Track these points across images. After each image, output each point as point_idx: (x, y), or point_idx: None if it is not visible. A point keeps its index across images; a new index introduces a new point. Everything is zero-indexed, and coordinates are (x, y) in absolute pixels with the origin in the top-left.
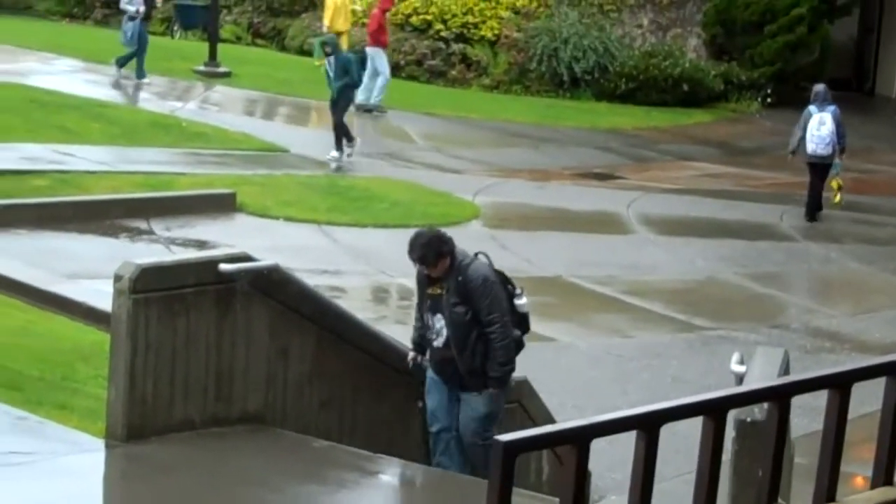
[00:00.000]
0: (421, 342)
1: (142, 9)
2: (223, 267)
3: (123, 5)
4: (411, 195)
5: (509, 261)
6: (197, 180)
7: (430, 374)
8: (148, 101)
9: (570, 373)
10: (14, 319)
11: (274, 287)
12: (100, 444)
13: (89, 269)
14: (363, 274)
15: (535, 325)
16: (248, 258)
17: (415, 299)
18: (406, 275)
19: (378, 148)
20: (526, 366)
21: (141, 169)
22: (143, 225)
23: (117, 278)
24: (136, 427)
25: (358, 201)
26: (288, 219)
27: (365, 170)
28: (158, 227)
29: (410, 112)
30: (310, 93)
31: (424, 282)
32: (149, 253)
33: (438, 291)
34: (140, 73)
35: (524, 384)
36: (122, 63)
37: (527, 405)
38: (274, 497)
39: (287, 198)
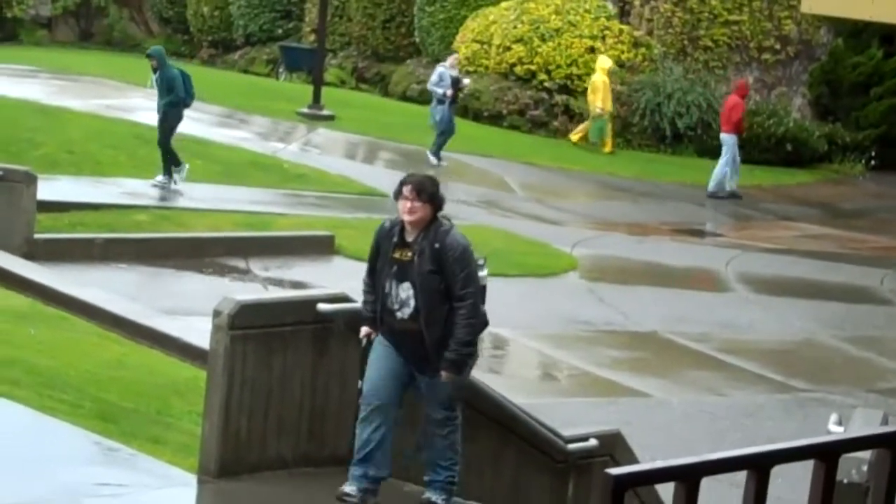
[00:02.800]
0: (374, 315)
1: (450, 92)
2: (321, 307)
3: (431, 87)
4: (508, 244)
5: (605, 314)
6: (296, 221)
7: (380, 343)
8: (250, 140)
9: (663, 429)
10: (111, 352)
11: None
12: (192, 479)
13: (186, 305)
14: None
15: (630, 380)
16: (346, 299)
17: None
18: (502, 324)
19: (477, 196)
20: (619, 419)
21: (241, 208)
22: (241, 264)
23: (216, 314)
24: (228, 463)
25: None
26: None
27: (463, 217)
28: (256, 266)
29: (511, 161)
30: (412, 138)
31: (390, 244)
32: (246, 291)
33: (408, 256)
34: (436, 154)
35: (617, 437)
36: (436, 152)
37: (619, 458)
38: None
39: None
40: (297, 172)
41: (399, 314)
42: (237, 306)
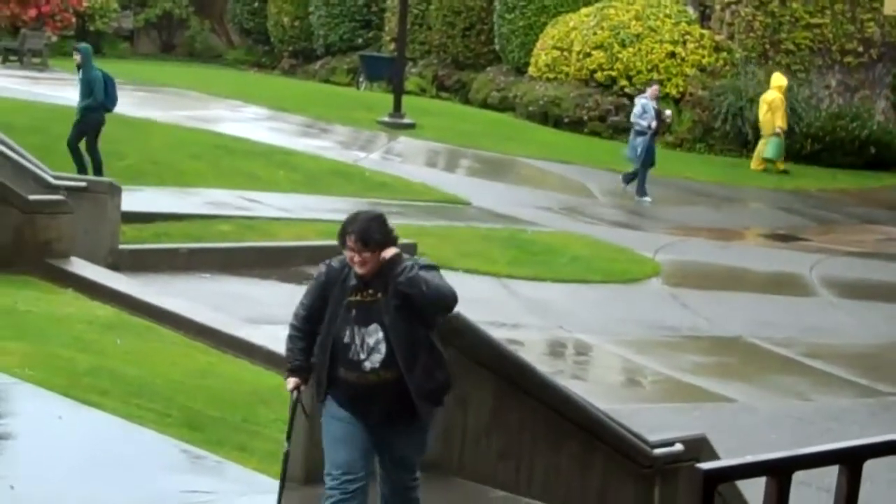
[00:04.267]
0: (305, 366)
1: (654, 124)
2: None
3: (635, 118)
4: (591, 251)
5: (688, 320)
6: None
7: (336, 412)
8: (331, 150)
9: (749, 434)
10: (196, 361)
11: (454, 334)
12: (277, 486)
13: (270, 314)
14: (541, 328)
15: (714, 385)
16: None
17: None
18: (584, 329)
19: (558, 203)
20: (704, 424)
21: (323, 217)
22: None
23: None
24: (315, 471)
25: (538, 255)
26: (467, 271)
27: (546, 224)
28: None
29: (592, 168)
30: (492, 146)
31: (345, 287)
32: None
33: (370, 297)
34: (641, 191)
35: (703, 441)
36: (628, 180)
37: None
38: None
39: (467, 250)
40: (379, 181)
41: (367, 364)
42: None
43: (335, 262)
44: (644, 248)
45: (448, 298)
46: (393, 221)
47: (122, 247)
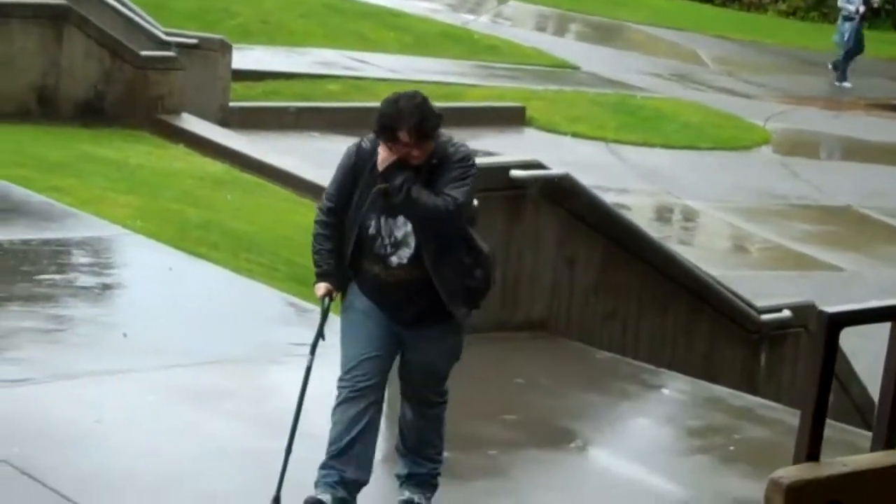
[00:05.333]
0: (336, 267)
1: (861, 8)
2: (514, 173)
3: (842, 3)
4: (701, 117)
5: (799, 188)
6: (487, 93)
7: (354, 305)
8: (441, 12)
9: (857, 302)
10: (304, 218)
11: (564, 196)
12: None
13: None
14: (649, 193)
15: (823, 254)
16: (540, 166)
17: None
18: (693, 196)
19: (668, 70)
20: (812, 292)
21: (432, 79)
22: None
23: None
24: None
25: (647, 121)
26: (576, 135)
27: (656, 90)
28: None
29: (703, 35)
30: (603, 11)
31: (374, 172)
32: None
33: None
34: (842, 77)
35: (811, 308)
36: (837, 67)
37: (812, 330)
38: (556, 403)
39: (576, 114)
40: (488, 44)
41: (393, 259)
42: None
43: (366, 143)
44: (755, 116)
45: (438, 216)
46: (502, 84)
47: (232, 104)
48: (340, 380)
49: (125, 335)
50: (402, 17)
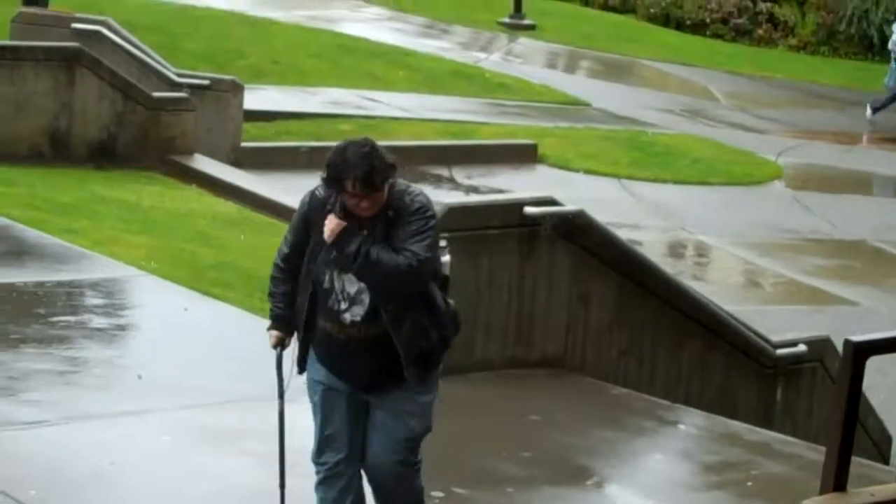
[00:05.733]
0: (288, 316)
1: None
2: (528, 210)
3: (892, 45)
4: (713, 153)
5: (812, 222)
6: (499, 130)
7: (316, 376)
8: (451, 50)
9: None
10: None
11: (578, 232)
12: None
13: None
14: (662, 229)
15: (837, 288)
16: (553, 202)
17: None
18: (706, 231)
19: (679, 105)
20: (826, 327)
21: (443, 117)
22: (444, 172)
23: None
24: None
25: (659, 157)
26: (588, 171)
27: (667, 126)
28: (459, 174)
29: (714, 70)
30: (613, 48)
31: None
32: (450, 199)
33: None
34: (877, 110)
35: (827, 342)
36: (877, 108)
37: (828, 364)
38: (572, 440)
39: (588, 151)
40: (499, 82)
41: (346, 316)
42: (445, 209)
43: (319, 191)
44: (766, 151)
45: (400, 276)
46: (513, 122)
47: (244, 144)
48: (314, 457)
49: (140, 377)
50: (412, 56)
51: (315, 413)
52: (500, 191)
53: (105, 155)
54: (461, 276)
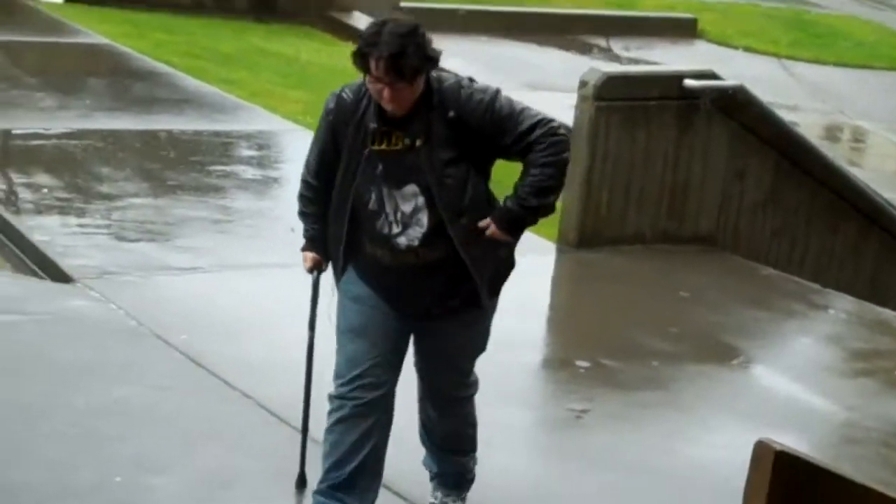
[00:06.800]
0: (321, 238)
1: None
2: (688, 82)
3: None
4: (878, 36)
5: None
6: (659, 3)
7: (354, 291)
8: None
9: None
10: None
11: (736, 107)
12: (551, 247)
13: (549, 81)
14: (820, 111)
15: None
16: (713, 76)
17: None
18: (865, 116)
19: None
20: None
21: None
22: (602, 43)
23: (582, 84)
24: (587, 235)
25: (821, 38)
26: (747, 49)
27: (830, 6)
28: (617, 46)
29: None
30: None
31: (360, 129)
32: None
33: (405, 142)
34: None
35: None
36: None
37: None
38: (719, 318)
39: (749, 28)
40: None
41: (401, 240)
42: (603, 77)
43: (347, 92)
44: None
45: (563, 165)
46: None
47: (402, 4)
48: (338, 389)
49: (293, 230)
50: None
51: (345, 333)
52: (658, 64)
53: (265, 8)
54: (617, 148)
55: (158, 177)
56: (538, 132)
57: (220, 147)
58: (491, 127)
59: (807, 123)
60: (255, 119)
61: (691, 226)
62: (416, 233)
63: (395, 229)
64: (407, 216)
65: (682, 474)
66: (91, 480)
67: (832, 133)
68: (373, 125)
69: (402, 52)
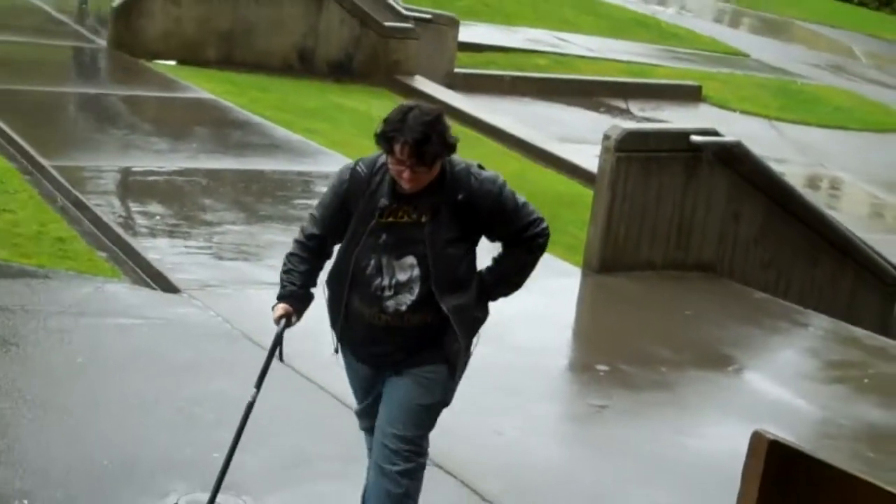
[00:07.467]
0: (301, 294)
1: None
2: (694, 138)
3: None
4: (852, 103)
5: None
6: (669, 72)
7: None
8: (633, 2)
9: None
10: (512, 167)
11: (734, 160)
12: (577, 272)
13: (575, 135)
14: (803, 164)
15: None
16: (715, 133)
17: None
18: (842, 169)
19: (825, 61)
20: None
21: (623, 58)
22: (621, 104)
23: (606, 138)
24: (608, 261)
25: (805, 103)
26: (743, 111)
27: (814, 78)
28: (634, 107)
29: (858, 33)
30: (772, 8)
31: (372, 201)
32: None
33: (412, 217)
34: None
35: None
36: None
37: None
38: (719, 333)
39: (745, 94)
40: (672, 32)
41: (391, 304)
42: (623, 133)
43: (362, 167)
44: None
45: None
46: (682, 66)
47: (457, 70)
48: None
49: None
50: (600, 5)
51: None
52: (668, 122)
53: (342, 71)
54: (634, 191)
55: (251, 208)
56: (532, 231)
57: (303, 184)
58: (495, 216)
59: (792, 174)
60: (333, 163)
61: (695, 256)
62: (405, 299)
63: (388, 293)
64: (401, 284)
65: (686, 461)
66: (193, 456)
67: (814, 182)
68: (384, 201)
69: (426, 140)
